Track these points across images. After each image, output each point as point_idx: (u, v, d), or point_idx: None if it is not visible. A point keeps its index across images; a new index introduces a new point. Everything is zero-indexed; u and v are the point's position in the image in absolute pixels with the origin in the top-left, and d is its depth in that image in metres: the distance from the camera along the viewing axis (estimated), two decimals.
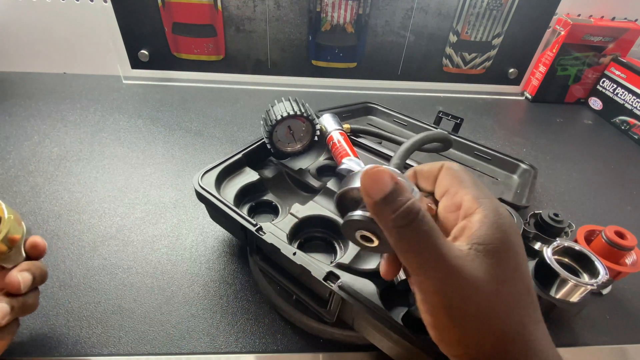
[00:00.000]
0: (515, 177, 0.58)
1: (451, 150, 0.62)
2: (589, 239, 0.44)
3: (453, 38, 0.83)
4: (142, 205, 0.50)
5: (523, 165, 0.58)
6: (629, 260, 0.42)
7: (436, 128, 0.64)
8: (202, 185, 0.39)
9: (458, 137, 0.62)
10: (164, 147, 0.62)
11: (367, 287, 0.31)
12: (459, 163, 0.60)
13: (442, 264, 0.19)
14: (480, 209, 0.22)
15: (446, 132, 0.37)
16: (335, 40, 0.81)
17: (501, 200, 0.44)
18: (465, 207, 0.22)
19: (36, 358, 0.34)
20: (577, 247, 0.38)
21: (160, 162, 0.58)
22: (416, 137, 0.32)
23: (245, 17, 0.76)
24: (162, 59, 0.80)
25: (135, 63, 0.80)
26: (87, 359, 0.34)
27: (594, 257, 0.37)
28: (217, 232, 0.47)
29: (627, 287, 0.45)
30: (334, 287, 0.31)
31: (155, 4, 0.73)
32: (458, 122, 0.62)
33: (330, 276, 0.32)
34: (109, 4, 0.72)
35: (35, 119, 0.65)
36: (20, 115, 0.66)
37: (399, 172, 0.23)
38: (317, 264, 0.33)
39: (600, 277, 0.35)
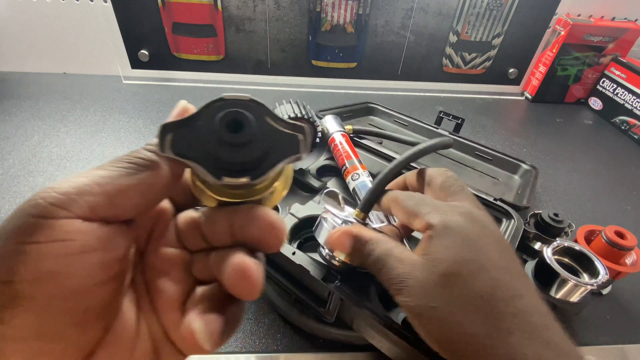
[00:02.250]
0: (516, 177, 0.58)
1: (452, 150, 0.63)
2: (589, 239, 0.44)
3: (453, 38, 0.83)
4: None
5: (524, 166, 0.58)
6: (629, 260, 0.42)
7: (437, 129, 0.64)
8: None
9: (459, 137, 0.62)
10: None
11: (366, 287, 0.31)
12: (460, 163, 0.61)
13: (395, 278, 0.24)
14: (426, 223, 0.25)
15: (427, 145, 0.35)
16: (335, 40, 0.81)
17: (502, 201, 0.44)
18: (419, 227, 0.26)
19: None
20: (577, 247, 0.38)
21: None
22: (386, 170, 0.32)
23: (245, 17, 0.76)
24: (162, 59, 0.80)
25: (135, 63, 0.80)
26: None
27: (594, 257, 0.37)
28: None
29: (627, 287, 0.45)
30: (332, 287, 0.31)
31: (155, 4, 0.73)
32: (459, 122, 0.62)
33: (329, 276, 0.32)
34: (109, 4, 0.72)
35: (35, 119, 0.65)
36: (20, 115, 0.66)
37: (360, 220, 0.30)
38: (316, 264, 0.33)
39: (600, 277, 0.35)
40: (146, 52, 0.78)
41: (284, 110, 0.45)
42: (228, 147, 0.15)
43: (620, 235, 0.41)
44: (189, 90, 0.80)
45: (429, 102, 0.85)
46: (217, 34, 0.77)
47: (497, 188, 0.56)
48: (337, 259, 0.30)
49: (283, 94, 0.49)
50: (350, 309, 0.30)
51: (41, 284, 0.13)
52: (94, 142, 0.61)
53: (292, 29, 0.78)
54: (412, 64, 0.85)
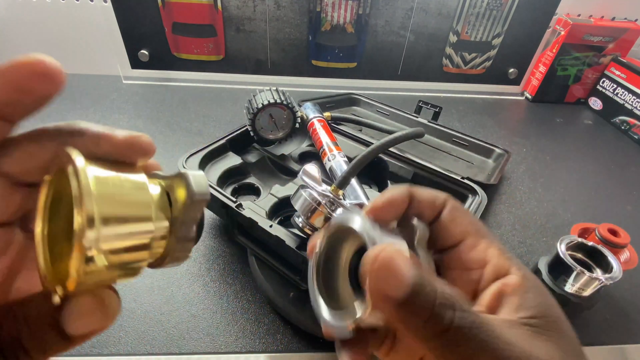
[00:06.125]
0: (490, 161, 0.62)
1: (431, 137, 0.66)
2: (582, 236, 0.44)
3: (453, 38, 0.83)
4: None
5: (497, 150, 0.62)
6: (622, 257, 0.42)
7: (417, 117, 0.67)
8: (185, 167, 0.42)
9: (437, 124, 0.65)
10: (164, 147, 0.62)
11: None
12: (437, 149, 0.63)
13: None
14: (514, 268, 0.17)
15: (401, 134, 0.39)
16: (335, 40, 0.81)
17: (469, 179, 0.47)
18: (495, 266, 0.18)
19: None
20: (589, 243, 0.39)
21: (160, 162, 0.58)
22: (368, 150, 0.36)
23: (245, 17, 0.76)
24: (162, 59, 0.80)
25: (135, 63, 0.80)
26: (87, 358, 0.34)
27: (607, 253, 0.38)
28: (217, 232, 0.47)
29: (626, 287, 0.45)
30: (305, 254, 0.33)
31: (155, 4, 0.73)
32: (437, 110, 0.65)
33: (303, 245, 0.34)
34: (109, 4, 0.72)
35: (36, 119, 0.65)
36: None
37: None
38: (291, 236, 0.35)
39: (614, 272, 0.36)
40: (146, 52, 0.78)
41: (264, 97, 0.47)
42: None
43: (614, 232, 0.42)
44: (189, 91, 0.79)
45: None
46: (217, 34, 0.77)
47: (470, 170, 0.60)
48: (309, 227, 0.33)
49: None
50: None
51: None
52: None
53: (292, 29, 0.78)
54: (412, 64, 0.85)
